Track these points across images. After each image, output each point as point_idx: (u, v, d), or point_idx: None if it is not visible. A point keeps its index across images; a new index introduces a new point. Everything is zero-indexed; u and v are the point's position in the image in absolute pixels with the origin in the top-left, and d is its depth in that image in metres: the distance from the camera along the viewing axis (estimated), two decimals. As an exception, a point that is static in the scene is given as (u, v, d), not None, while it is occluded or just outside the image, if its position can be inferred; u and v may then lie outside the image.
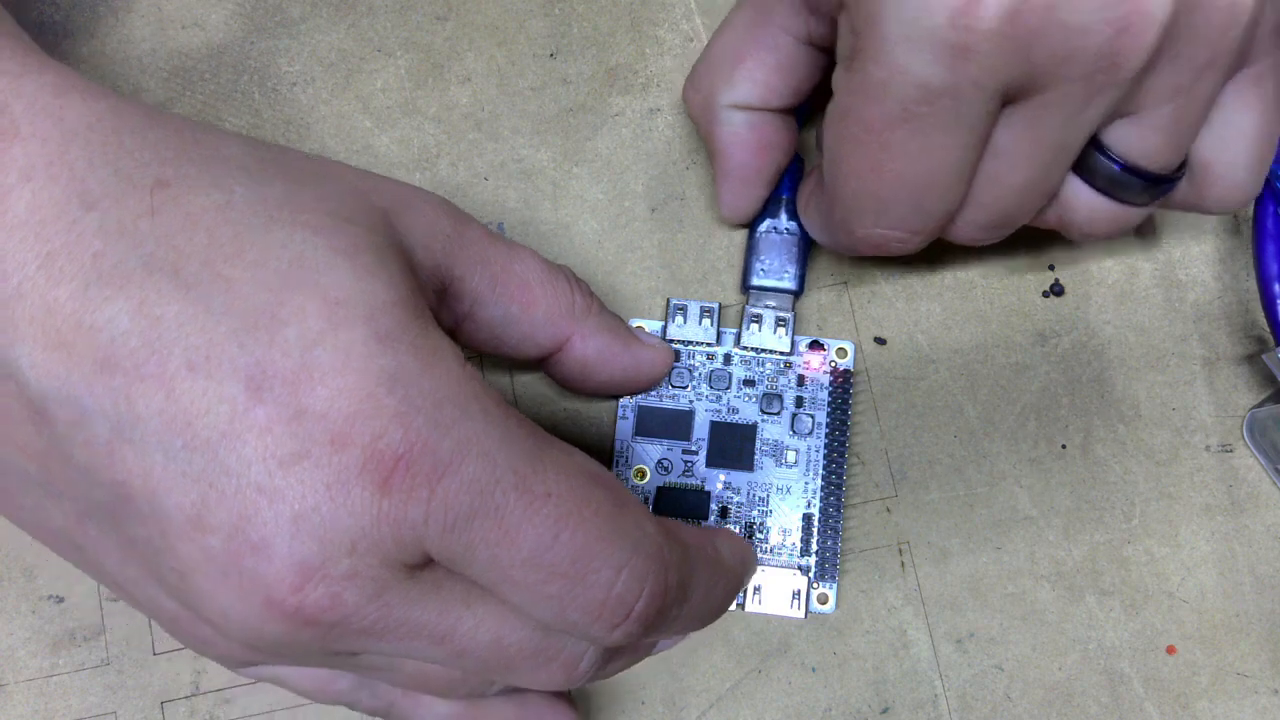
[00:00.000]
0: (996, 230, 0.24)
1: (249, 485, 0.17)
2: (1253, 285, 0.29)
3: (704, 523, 0.28)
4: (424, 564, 0.18)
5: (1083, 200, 0.24)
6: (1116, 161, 0.22)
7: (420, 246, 0.21)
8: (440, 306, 0.22)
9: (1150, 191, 0.23)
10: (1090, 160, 0.23)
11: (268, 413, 0.17)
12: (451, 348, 0.19)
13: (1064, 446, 0.29)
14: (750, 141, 0.27)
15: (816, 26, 0.25)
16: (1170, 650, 0.29)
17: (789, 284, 0.29)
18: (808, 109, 0.29)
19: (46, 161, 0.18)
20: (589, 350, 0.25)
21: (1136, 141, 0.22)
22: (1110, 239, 0.26)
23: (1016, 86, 0.20)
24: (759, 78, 0.26)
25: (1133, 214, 0.24)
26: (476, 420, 0.18)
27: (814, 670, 0.28)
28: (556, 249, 0.30)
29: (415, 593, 0.18)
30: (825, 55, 0.26)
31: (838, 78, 0.22)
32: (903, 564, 0.29)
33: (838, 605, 0.28)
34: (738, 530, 0.28)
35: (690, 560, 0.21)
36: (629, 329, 0.27)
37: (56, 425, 0.18)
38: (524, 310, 0.24)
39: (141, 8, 0.30)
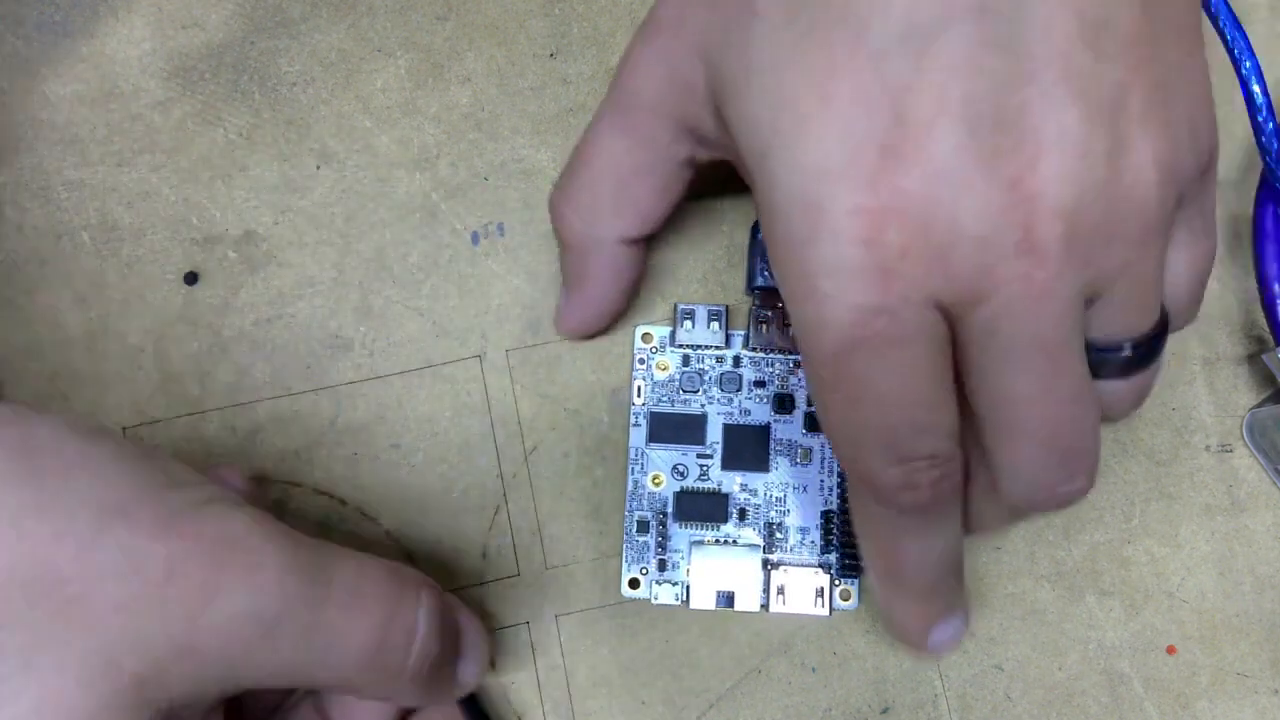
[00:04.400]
0: (1064, 467, 0.21)
1: None
2: (1253, 285, 0.29)
3: (722, 526, 0.28)
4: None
5: (1104, 390, 0.23)
6: (1110, 349, 0.22)
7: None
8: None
9: (1158, 347, 0.23)
10: (1090, 359, 0.22)
11: None
12: None
13: (1064, 446, 0.29)
14: (625, 275, 0.27)
15: (702, 150, 0.24)
16: (1170, 650, 0.29)
17: None
18: None
19: None
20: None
21: (1119, 320, 0.21)
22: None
23: (961, 293, 0.20)
24: (645, 204, 0.25)
25: (1153, 373, 0.23)
26: None
27: (814, 670, 0.28)
28: (556, 249, 0.30)
29: None
30: (699, 168, 0.25)
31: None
32: (903, 564, 0.29)
33: (860, 600, 0.28)
34: (757, 532, 0.28)
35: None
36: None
37: None
38: None
39: (141, 8, 0.30)
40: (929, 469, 0.22)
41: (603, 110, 0.25)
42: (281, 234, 0.29)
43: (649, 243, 0.27)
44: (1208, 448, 0.30)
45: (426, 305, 0.29)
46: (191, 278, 0.29)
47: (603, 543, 0.29)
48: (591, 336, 0.29)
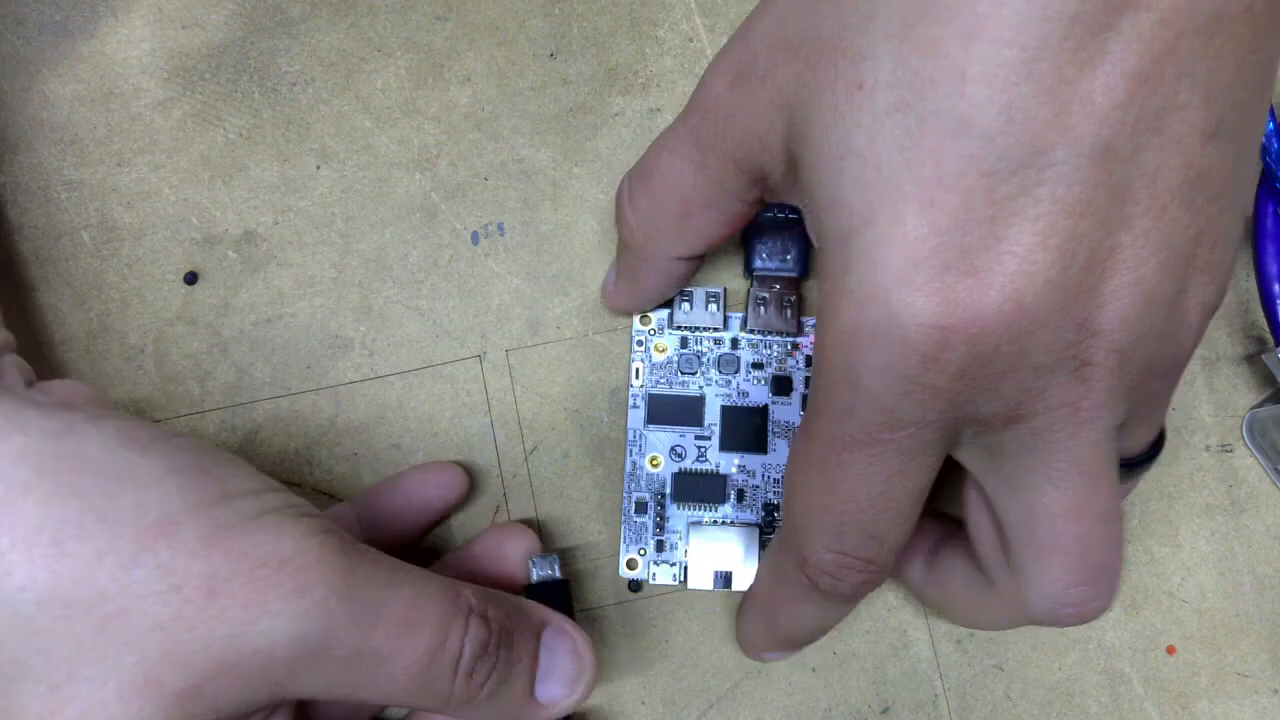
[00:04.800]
0: (1090, 584, 0.22)
1: None
2: (1253, 285, 0.29)
3: (720, 507, 0.28)
4: None
5: None
6: (1123, 464, 0.23)
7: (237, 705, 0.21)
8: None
9: (1157, 454, 0.23)
10: None
11: None
12: None
13: (1064, 446, 0.29)
14: (676, 282, 0.27)
15: (770, 195, 0.24)
16: (1170, 650, 0.29)
17: (791, 268, 0.29)
18: None
19: None
20: None
21: (1136, 439, 0.22)
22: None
23: (1002, 412, 0.20)
24: (706, 232, 0.25)
25: (1139, 477, 0.24)
26: None
27: (814, 670, 0.28)
28: (556, 248, 0.30)
29: None
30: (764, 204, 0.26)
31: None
32: (903, 564, 0.29)
33: None
34: (754, 513, 0.28)
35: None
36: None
37: None
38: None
39: (141, 8, 0.30)
40: (860, 571, 0.23)
41: (680, 129, 0.24)
42: (281, 234, 0.29)
43: None
44: (1208, 448, 0.30)
45: (426, 305, 0.29)
46: (191, 278, 0.29)
47: (602, 543, 0.29)
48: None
